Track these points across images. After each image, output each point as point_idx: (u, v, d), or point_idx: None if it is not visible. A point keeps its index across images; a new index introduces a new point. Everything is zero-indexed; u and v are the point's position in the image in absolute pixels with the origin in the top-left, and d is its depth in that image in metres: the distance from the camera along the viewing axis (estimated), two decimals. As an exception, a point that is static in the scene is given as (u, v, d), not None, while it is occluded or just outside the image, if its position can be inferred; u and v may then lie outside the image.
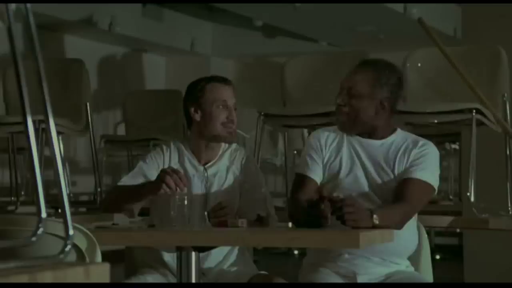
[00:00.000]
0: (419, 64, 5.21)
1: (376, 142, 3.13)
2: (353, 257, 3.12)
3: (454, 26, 8.16)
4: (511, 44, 5.20)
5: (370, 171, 3.10)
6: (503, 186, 4.89)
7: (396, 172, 3.08)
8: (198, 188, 3.26)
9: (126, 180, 3.29)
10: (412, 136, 3.20)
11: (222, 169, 3.32)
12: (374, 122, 3.11)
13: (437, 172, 3.11)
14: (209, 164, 3.32)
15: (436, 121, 4.77)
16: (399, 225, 3.02)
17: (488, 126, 4.75)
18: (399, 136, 3.16)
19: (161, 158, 3.33)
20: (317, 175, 3.14)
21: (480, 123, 4.65)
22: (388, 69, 3.16)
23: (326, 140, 3.17)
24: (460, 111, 4.63)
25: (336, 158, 3.15)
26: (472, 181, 4.61)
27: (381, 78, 3.11)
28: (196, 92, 3.31)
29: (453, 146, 7.82)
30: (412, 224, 3.16)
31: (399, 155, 3.10)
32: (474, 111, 4.56)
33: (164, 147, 3.37)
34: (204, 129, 3.29)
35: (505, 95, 4.89)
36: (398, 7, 7.89)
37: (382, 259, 3.12)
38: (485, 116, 4.66)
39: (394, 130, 3.18)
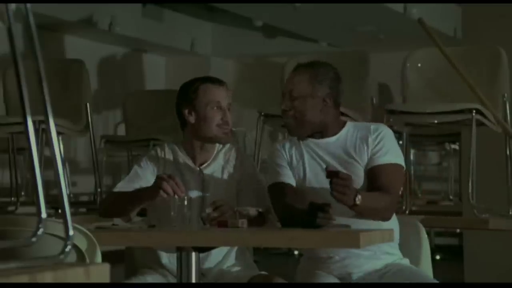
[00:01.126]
0: (419, 65, 5.21)
1: (330, 139, 3.18)
2: (343, 258, 3.12)
3: (454, 26, 8.16)
4: (511, 44, 5.20)
5: (335, 167, 3.11)
6: (503, 186, 4.89)
7: (359, 160, 3.11)
8: (194, 189, 3.24)
9: (122, 185, 3.27)
10: (362, 124, 3.29)
11: (218, 169, 3.31)
12: (321, 120, 3.16)
13: (398, 149, 3.17)
14: (204, 165, 3.31)
15: (436, 121, 4.77)
16: (388, 214, 3.07)
17: (488, 127, 4.75)
18: (351, 128, 3.20)
19: (156, 161, 3.31)
20: (291, 178, 3.17)
21: (480, 124, 4.65)
22: (322, 66, 3.23)
23: (284, 148, 3.22)
24: (460, 112, 4.63)
25: (298, 163, 3.18)
26: (472, 181, 4.61)
27: (318, 75, 3.17)
28: (189, 94, 3.29)
29: (453, 146, 7.82)
30: None
31: (357, 144, 3.14)
32: (474, 111, 4.56)
33: (159, 150, 3.35)
34: (199, 131, 3.28)
35: (505, 95, 4.89)
36: (398, 7, 7.88)
37: (372, 252, 3.12)
38: (485, 116, 4.65)
39: (344, 124, 3.22)
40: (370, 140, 3.12)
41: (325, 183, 3.09)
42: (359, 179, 3.08)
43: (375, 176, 3.06)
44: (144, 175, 3.27)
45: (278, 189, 3.15)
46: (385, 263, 3.14)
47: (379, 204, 3.00)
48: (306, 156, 3.18)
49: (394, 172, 3.10)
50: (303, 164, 3.17)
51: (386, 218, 3.08)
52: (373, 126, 3.20)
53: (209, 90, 3.29)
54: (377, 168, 3.08)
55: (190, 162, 3.31)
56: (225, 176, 3.30)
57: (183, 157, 3.32)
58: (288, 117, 3.17)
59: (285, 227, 3.03)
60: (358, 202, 2.87)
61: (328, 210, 2.79)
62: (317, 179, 3.13)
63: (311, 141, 3.20)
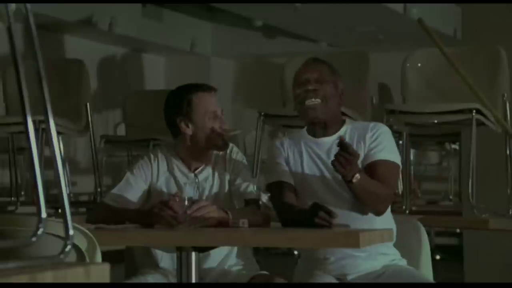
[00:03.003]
0: (419, 65, 5.21)
1: (329, 139, 3.17)
2: (338, 258, 3.12)
3: (454, 26, 8.16)
4: (511, 44, 5.20)
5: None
6: (503, 186, 4.89)
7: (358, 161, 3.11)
8: (190, 195, 3.22)
9: (113, 196, 3.24)
10: (360, 123, 3.31)
11: (211, 173, 3.30)
12: (335, 112, 3.19)
13: (395, 148, 3.18)
14: (198, 169, 3.30)
15: (436, 121, 4.78)
16: (382, 206, 3.07)
17: (488, 126, 4.75)
18: (349, 126, 3.21)
19: (148, 168, 3.29)
20: (289, 177, 3.18)
21: (480, 123, 4.65)
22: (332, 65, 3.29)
23: (283, 146, 3.23)
24: (460, 111, 4.64)
25: (297, 162, 3.19)
26: (472, 181, 4.61)
27: (335, 70, 3.23)
28: (184, 105, 3.25)
29: (453, 146, 7.82)
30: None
31: (355, 143, 3.14)
32: (474, 111, 4.56)
33: (152, 156, 3.32)
34: (197, 141, 3.25)
35: (505, 95, 4.90)
36: (398, 7, 7.88)
37: (368, 253, 3.11)
38: (485, 116, 4.66)
39: (343, 122, 3.24)
40: (367, 137, 3.14)
41: (322, 183, 3.10)
42: None
43: (371, 172, 3.06)
44: (136, 183, 3.25)
45: (278, 188, 3.16)
46: (383, 264, 3.14)
47: (375, 189, 3.01)
48: (305, 156, 3.18)
49: (389, 169, 3.11)
50: (302, 164, 3.18)
51: (380, 211, 3.08)
52: (371, 124, 3.22)
53: (204, 100, 3.26)
54: (372, 164, 3.09)
55: (184, 168, 3.29)
56: (219, 179, 3.29)
57: (177, 163, 3.30)
58: (315, 98, 3.13)
59: (285, 225, 3.04)
60: (354, 180, 2.90)
61: (332, 213, 2.80)
62: (315, 179, 3.14)
63: (311, 140, 3.20)
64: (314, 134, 3.21)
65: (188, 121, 3.25)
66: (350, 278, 3.11)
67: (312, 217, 2.81)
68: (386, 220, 3.14)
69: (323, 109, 3.14)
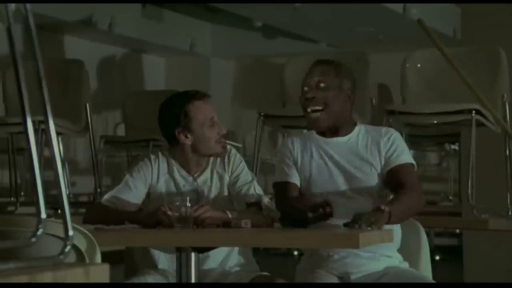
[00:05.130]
0: (419, 65, 5.22)
1: (342, 139, 3.21)
2: (342, 257, 3.14)
3: (454, 26, 8.16)
4: (511, 44, 5.20)
5: (345, 167, 3.15)
6: (502, 187, 4.89)
7: (373, 162, 3.15)
8: (189, 197, 3.21)
9: (111, 197, 3.22)
10: (372, 127, 3.32)
11: (210, 176, 3.30)
12: (342, 114, 3.19)
13: (408, 149, 3.24)
14: (197, 173, 3.29)
15: (435, 121, 4.78)
16: (420, 208, 3.15)
17: (488, 127, 4.75)
18: (362, 129, 3.24)
19: (148, 170, 3.27)
20: (296, 178, 3.21)
21: (479, 124, 4.65)
22: (342, 63, 3.29)
23: (294, 145, 3.25)
24: (460, 112, 4.64)
25: (306, 161, 3.21)
26: (472, 181, 4.61)
27: (342, 70, 3.23)
28: (181, 117, 3.22)
29: (453, 146, 7.82)
30: None
31: (369, 146, 3.18)
32: (473, 111, 4.56)
33: (153, 157, 3.30)
34: (196, 150, 3.24)
35: (505, 95, 4.90)
36: (398, 7, 7.88)
37: (372, 253, 3.13)
38: (484, 116, 4.66)
39: (355, 125, 3.26)
40: (382, 143, 3.17)
41: (332, 184, 3.14)
42: (369, 180, 3.14)
43: (397, 175, 3.11)
44: (135, 186, 3.24)
45: (283, 188, 3.20)
46: (385, 266, 3.15)
47: (408, 205, 3.05)
48: (315, 156, 3.20)
49: (410, 170, 3.17)
50: (311, 164, 3.19)
51: (414, 214, 3.16)
52: (383, 129, 3.26)
53: (200, 108, 3.24)
54: (396, 168, 3.13)
55: (184, 172, 3.29)
56: (218, 181, 3.28)
57: (177, 167, 3.29)
58: (314, 106, 3.15)
59: (283, 224, 3.05)
60: (393, 219, 2.91)
61: (327, 210, 2.82)
62: (324, 180, 3.17)
63: (322, 140, 3.22)
64: (325, 135, 3.23)
65: (187, 132, 3.23)
66: (354, 277, 3.12)
67: (304, 215, 2.83)
68: (394, 227, 3.17)
69: (325, 117, 3.16)
